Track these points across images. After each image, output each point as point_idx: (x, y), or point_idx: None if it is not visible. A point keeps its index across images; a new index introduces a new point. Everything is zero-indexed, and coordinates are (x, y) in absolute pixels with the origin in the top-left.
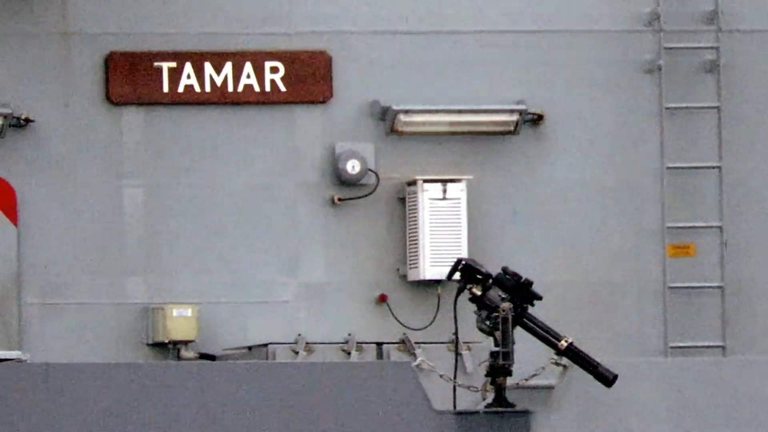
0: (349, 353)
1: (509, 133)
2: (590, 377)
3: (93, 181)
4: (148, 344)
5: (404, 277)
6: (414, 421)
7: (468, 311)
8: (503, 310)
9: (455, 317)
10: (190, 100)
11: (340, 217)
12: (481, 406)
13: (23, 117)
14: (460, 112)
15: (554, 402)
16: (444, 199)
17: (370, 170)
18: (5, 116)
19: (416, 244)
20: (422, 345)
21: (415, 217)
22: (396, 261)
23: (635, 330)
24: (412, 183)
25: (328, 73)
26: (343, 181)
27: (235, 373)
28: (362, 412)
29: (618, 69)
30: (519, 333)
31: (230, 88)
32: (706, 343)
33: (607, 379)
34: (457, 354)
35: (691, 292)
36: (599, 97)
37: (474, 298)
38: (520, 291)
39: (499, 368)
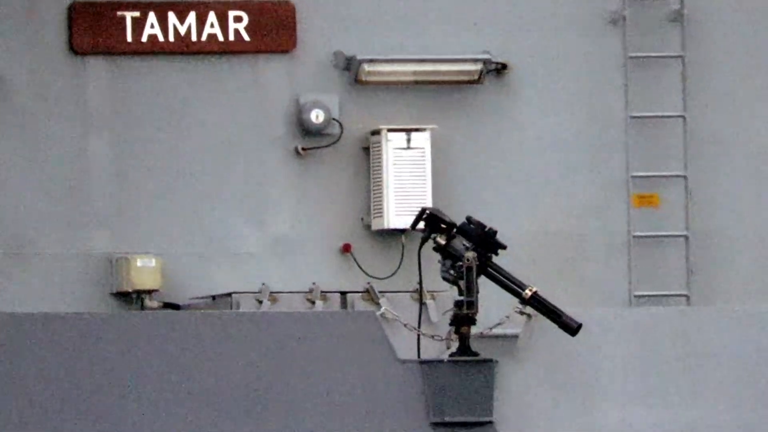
0: (313, 303)
1: (473, 82)
2: (554, 326)
3: (57, 132)
4: (112, 294)
5: (368, 226)
6: (378, 369)
7: (432, 261)
8: (467, 260)
9: (419, 266)
10: (154, 49)
11: (305, 168)
12: (445, 355)
13: None
14: (424, 61)
15: (518, 351)
16: (408, 148)
17: (334, 120)
18: None
19: (380, 193)
20: (386, 294)
21: (379, 166)
22: (360, 210)
23: (600, 279)
24: (376, 132)
25: (292, 23)
26: (307, 131)
27: (199, 322)
28: (326, 361)
29: (582, 19)
30: (483, 282)
31: (194, 38)
32: (671, 293)
33: (572, 328)
34: (421, 303)
35: (656, 242)
36: (563, 47)
37: (438, 248)
38: (485, 240)
39: (463, 317)
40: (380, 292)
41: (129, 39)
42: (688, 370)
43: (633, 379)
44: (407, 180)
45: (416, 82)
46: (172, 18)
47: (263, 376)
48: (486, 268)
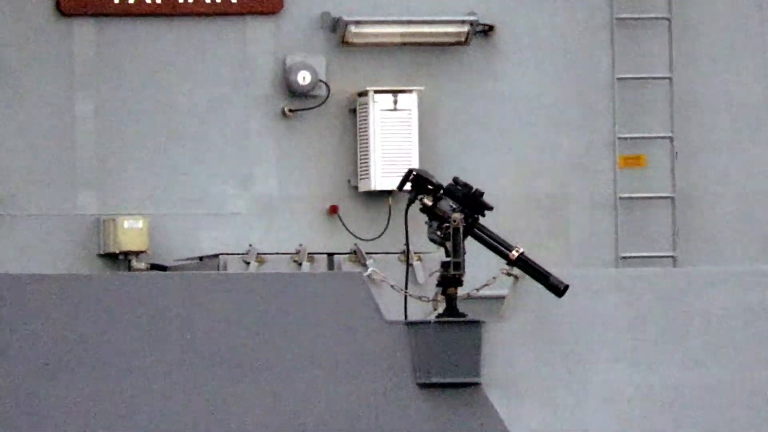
0: (300, 264)
1: (460, 44)
2: (541, 287)
3: (44, 93)
4: (99, 255)
5: (355, 188)
6: (365, 331)
7: (419, 222)
8: (454, 221)
9: (406, 228)
10: (141, 11)
11: (292, 129)
12: (432, 317)
13: None
14: (410, 23)
15: (505, 312)
16: (395, 110)
17: (320, 81)
18: None
19: (367, 155)
20: (373, 256)
21: (365, 128)
22: (347, 172)
23: (586, 241)
24: (363, 94)
25: None
26: (294, 92)
27: (186, 284)
28: (313, 323)
29: None
30: (470, 243)
31: None
32: (658, 254)
33: (558, 289)
34: (408, 265)
35: (642, 203)
36: (550, 9)
37: (425, 209)
38: (471, 201)
39: (450, 279)
40: (367, 253)
41: (116, 0)
42: (675, 331)
43: (620, 341)
44: (394, 141)
45: (403, 44)
46: None
47: (250, 338)
48: (473, 229)
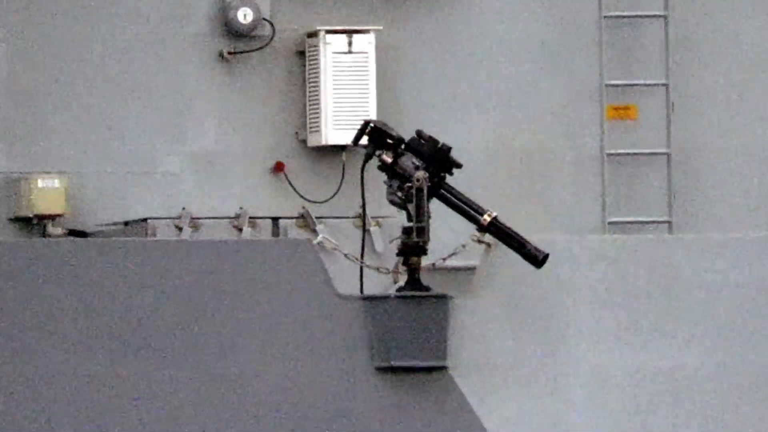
0: (240, 229)
1: None
2: (517, 257)
3: None
4: (9, 219)
5: (304, 142)
6: (314, 306)
7: (377, 181)
8: (417, 180)
9: (362, 188)
10: None
11: (231, 74)
12: (391, 291)
13: None
14: None
15: (476, 285)
16: (349, 52)
17: (264, 20)
18: None
19: (317, 104)
20: (324, 220)
21: (316, 73)
22: (294, 124)
23: (569, 203)
24: (313, 35)
25: None
26: (233, 32)
27: (109, 252)
28: (255, 297)
29: None
30: (435, 206)
31: None
32: (651, 219)
33: (537, 258)
34: (365, 230)
35: (633, 161)
36: None
37: (384, 166)
38: (437, 158)
39: (412, 247)
40: (317, 217)
41: None
42: (671, 306)
43: (607, 317)
44: (348, 89)
45: None
46: None
47: (182, 314)
48: (438, 189)
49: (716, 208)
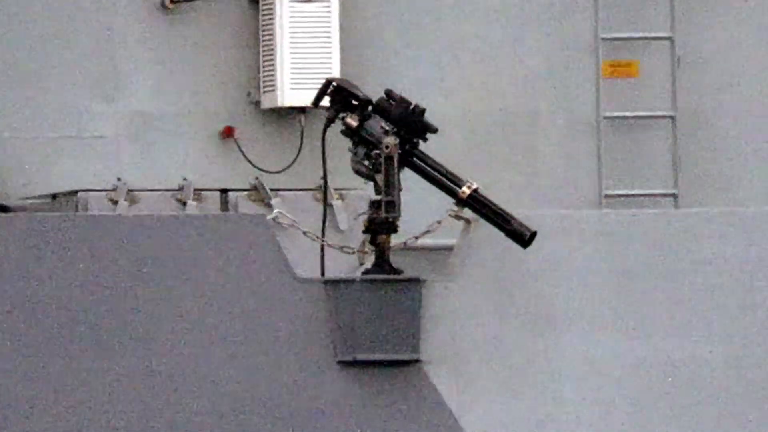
0: (184, 203)
1: None
2: (501, 235)
3: None
4: None
5: (257, 103)
6: (269, 291)
7: (341, 148)
8: (386, 147)
9: (323, 156)
10: None
11: (173, 25)
12: (357, 273)
13: None
14: None
15: (454, 267)
16: (309, 1)
17: None
18: None
19: (272, 60)
20: (280, 193)
21: (271, 25)
22: (246, 83)
23: (560, 173)
24: None
25: None
26: None
27: (34, 229)
28: (201, 280)
29: None
30: (407, 176)
31: None
32: (653, 191)
33: (523, 236)
34: (326, 204)
35: (634, 125)
36: None
37: (348, 131)
38: (409, 121)
39: (381, 223)
40: (272, 190)
41: None
42: (675, 290)
43: (604, 303)
44: (308, 43)
45: None
46: None
47: (117, 299)
48: (411, 157)
49: (729, 179)
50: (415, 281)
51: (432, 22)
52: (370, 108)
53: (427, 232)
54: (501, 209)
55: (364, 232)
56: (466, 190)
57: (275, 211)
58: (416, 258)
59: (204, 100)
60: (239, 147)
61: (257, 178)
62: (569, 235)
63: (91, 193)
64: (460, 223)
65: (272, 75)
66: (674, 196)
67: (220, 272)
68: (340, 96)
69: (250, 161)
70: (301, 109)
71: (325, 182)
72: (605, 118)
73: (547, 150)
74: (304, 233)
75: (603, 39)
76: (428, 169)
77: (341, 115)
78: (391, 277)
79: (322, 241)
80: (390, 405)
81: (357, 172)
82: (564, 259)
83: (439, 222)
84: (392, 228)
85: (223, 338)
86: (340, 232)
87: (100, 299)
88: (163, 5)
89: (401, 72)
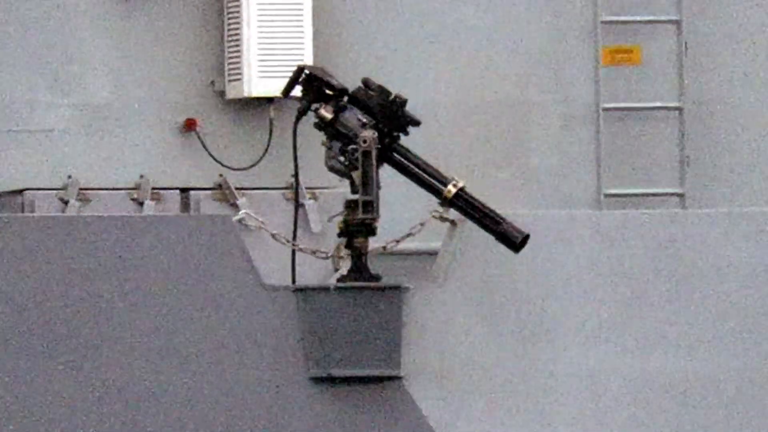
0: (141, 203)
1: None
2: (490, 238)
3: None
4: None
5: (221, 93)
6: (234, 300)
7: (314, 143)
8: (364, 141)
9: (294, 151)
10: None
11: (131, 11)
12: (332, 280)
13: None
14: None
15: (438, 273)
16: None
17: None
18: None
19: (239, 46)
20: (247, 192)
21: (237, 7)
22: (210, 71)
23: (556, 170)
24: None
25: None
26: None
27: None
28: (161, 287)
29: None
30: (387, 174)
31: None
32: (657, 190)
33: (514, 240)
34: (298, 205)
35: (636, 117)
36: None
37: (322, 124)
38: (389, 113)
39: (358, 225)
40: (238, 188)
41: None
42: (681, 299)
43: (603, 312)
44: (278, 27)
45: None
46: None
47: (68, 308)
48: (391, 153)
49: (740, 176)
50: (396, 289)
51: (415, 3)
52: (345, 98)
53: (409, 235)
54: (490, 210)
55: (340, 235)
56: (451, 189)
57: (242, 212)
58: (397, 263)
59: (163, 89)
60: (202, 141)
61: (222, 176)
62: (565, 239)
63: (38, 191)
64: (445, 225)
65: (238, 62)
66: (681, 195)
67: (181, 280)
68: (312, 85)
69: (213, 157)
70: (270, 100)
71: (297, 180)
72: (605, 109)
73: (541, 144)
74: (274, 236)
75: (603, 22)
76: (410, 165)
77: (314, 106)
78: (370, 284)
79: (293, 245)
80: (368, 426)
81: (331, 168)
82: (559, 264)
83: (421, 224)
84: (370, 230)
85: (184, 353)
86: (313, 235)
87: (46, 309)
88: None
89: (381, 58)
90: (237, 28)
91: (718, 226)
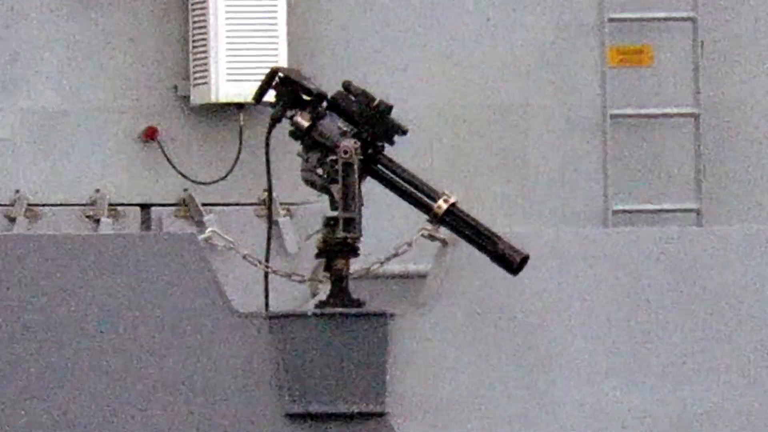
0: (97, 220)
1: None
2: (486, 259)
3: None
4: None
5: (186, 98)
6: (201, 327)
7: (290, 154)
8: (345, 152)
9: (267, 163)
10: None
11: (86, 8)
12: (310, 306)
13: None
14: None
15: (427, 298)
16: None
17: None
18: None
19: (206, 47)
20: (215, 208)
21: (203, 2)
22: (172, 74)
23: (559, 184)
24: None
25: None
26: None
27: None
28: (119, 312)
29: None
30: (370, 187)
31: None
32: (670, 206)
33: (512, 262)
34: (271, 222)
35: (647, 125)
36: None
37: (298, 132)
38: (372, 121)
39: (338, 244)
40: (204, 204)
41: None
42: (697, 326)
43: (608, 340)
44: (248, 27)
45: None
46: None
47: (11, 336)
48: (374, 164)
49: (762, 190)
50: (380, 316)
51: (403, 3)
52: (324, 104)
53: (395, 255)
54: (485, 228)
55: (318, 255)
56: (442, 205)
57: (209, 230)
58: (381, 287)
59: (121, 95)
60: (164, 152)
61: (186, 190)
62: (569, 259)
63: None
64: (435, 245)
65: (204, 64)
66: (697, 212)
67: (141, 306)
68: (288, 89)
69: (177, 169)
70: (240, 106)
71: (270, 195)
72: (612, 116)
73: (541, 155)
74: (244, 257)
75: (610, 20)
76: (396, 178)
77: (289, 112)
78: (351, 310)
79: (267, 266)
80: None
81: (308, 182)
82: (562, 288)
83: (408, 243)
84: (352, 251)
85: (144, 387)
86: (288, 256)
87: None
88: None
89: (363, 60)
90: (203, 26)
91: (738, 246)
